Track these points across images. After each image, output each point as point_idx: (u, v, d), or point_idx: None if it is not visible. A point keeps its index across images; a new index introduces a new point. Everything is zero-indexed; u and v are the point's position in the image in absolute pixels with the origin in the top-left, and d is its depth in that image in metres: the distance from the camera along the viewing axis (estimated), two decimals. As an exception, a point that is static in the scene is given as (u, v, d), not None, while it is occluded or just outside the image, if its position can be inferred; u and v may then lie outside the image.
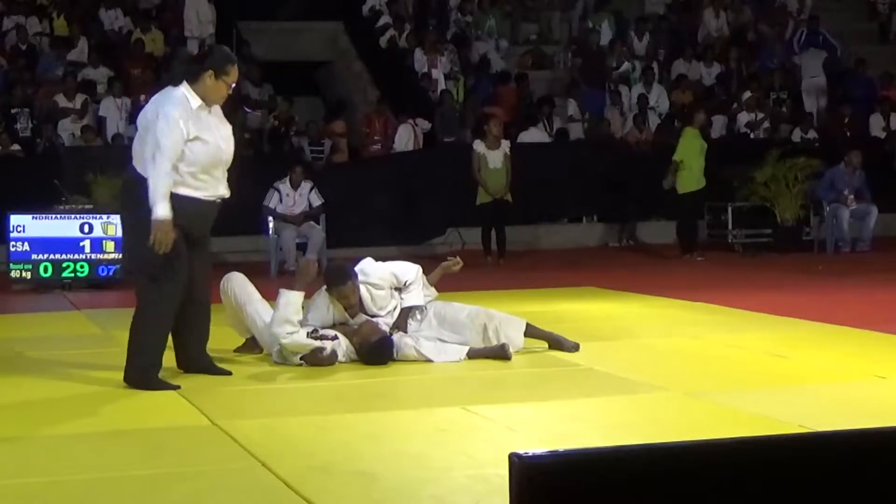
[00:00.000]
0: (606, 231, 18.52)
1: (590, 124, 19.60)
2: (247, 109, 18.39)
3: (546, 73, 21.30)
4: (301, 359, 7.50)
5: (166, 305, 7.03)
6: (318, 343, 7.46)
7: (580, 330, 8.72)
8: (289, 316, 7.43)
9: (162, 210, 6.74)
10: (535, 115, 19.10)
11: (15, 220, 13.14)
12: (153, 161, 6.77)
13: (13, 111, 17.73)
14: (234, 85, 7.16)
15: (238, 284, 8.02)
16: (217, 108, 7.16)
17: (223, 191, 7.11)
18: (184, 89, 6.99)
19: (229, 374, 7.36)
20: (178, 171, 6.84)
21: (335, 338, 7.55)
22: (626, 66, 20.65)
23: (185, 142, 6.84)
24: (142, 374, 6.99)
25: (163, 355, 7.10)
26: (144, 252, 6.83)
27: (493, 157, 15.24)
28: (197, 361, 7.35)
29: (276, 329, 7.45)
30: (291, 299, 7.48)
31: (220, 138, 7.04)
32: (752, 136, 19.69)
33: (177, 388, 6.93)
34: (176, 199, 6.82)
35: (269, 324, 7.57)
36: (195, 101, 6.96)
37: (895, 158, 18.82)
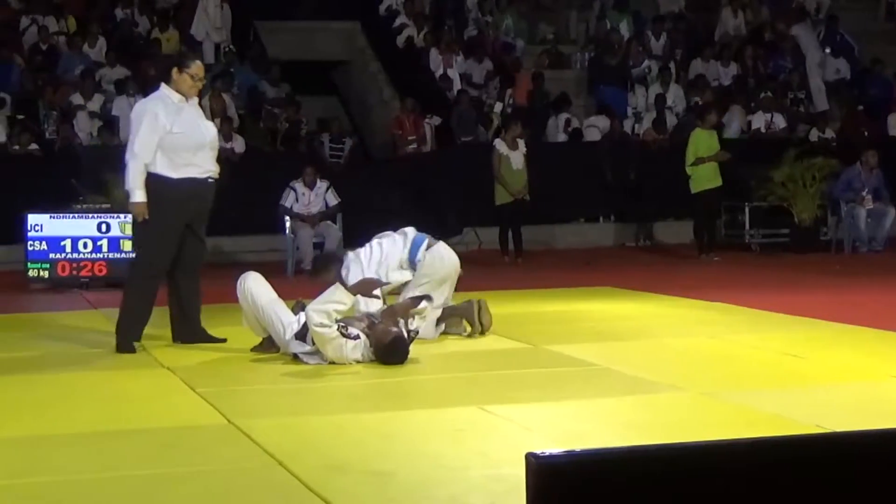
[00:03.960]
0: (623, 231, 18.48)
1: (607, 124, 19.57)
2: (273, 110, 18.45)
3: (563, 72, 21.27)
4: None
5: (145, 280, 8.30)
6: (342, 340, 7.46)
7: (597, 330, 8.71)
8: (329, 310, 7.41)
9: (138, 196, 8.11)
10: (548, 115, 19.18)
11: (33, 219, 13.18)
12: (131, 158, 8.12)
13: (31, 110, 17.77)
14: (199, 78, 8.30)
15: (255, 283, 8.03)
16: (195, 103, 8.44)
17: (212, 167, 8.29)
18: (163, 89, 8.26)
19: (224, 340, 8.38)
20: (169, 158, 8.09)
21: (357, 337, 7.55)
22: (644, 65, 20.61)
23: (168, 133, 8.06)
24: (119, 338, 8.25)
25: (140, 326, 8.33)
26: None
27: (515, 157, 15.27)
28: (193, 332, 8.45)
29: (312, 311, 7.39)
30: (343, 298, 7.47)
31: (201, 126, 8.28)
32: (769, 135, 19.63)
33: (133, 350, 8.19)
34: (170, 182, 8.09)
35: (312, 303, 7.53)
36: (175, 97, 8.20)
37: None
